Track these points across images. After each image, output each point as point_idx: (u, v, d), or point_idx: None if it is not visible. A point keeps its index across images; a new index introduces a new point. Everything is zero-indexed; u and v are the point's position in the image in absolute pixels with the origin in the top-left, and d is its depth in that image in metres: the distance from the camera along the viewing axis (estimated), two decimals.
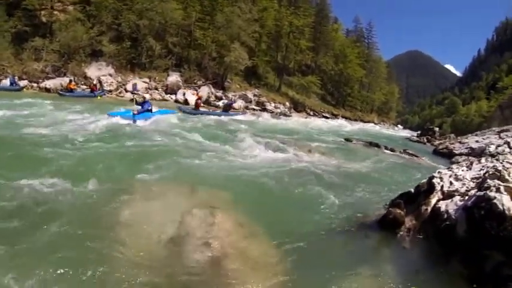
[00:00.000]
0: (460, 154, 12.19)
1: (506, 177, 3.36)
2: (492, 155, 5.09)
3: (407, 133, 36.10)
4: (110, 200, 3.57)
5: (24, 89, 18.86)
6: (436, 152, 14.31)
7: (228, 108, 17.80)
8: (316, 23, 43.96)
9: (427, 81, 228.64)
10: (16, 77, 19.29)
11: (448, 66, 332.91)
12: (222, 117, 15.69)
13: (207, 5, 30.59)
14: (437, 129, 25.85)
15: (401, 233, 3.18)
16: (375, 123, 46.90)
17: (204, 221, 3.26)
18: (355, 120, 42.97)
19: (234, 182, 4.74)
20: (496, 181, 3.16)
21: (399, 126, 65.08)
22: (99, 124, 7.94)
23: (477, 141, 13.31)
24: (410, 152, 10.89)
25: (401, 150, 10.90)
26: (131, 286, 2.38)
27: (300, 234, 3.31)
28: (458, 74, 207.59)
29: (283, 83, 37.24)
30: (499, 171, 3.41)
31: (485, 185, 3.12)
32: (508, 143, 6.75)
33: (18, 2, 22.67)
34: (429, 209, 3.42)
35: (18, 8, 22.67)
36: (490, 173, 3.42)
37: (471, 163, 4.64)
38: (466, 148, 12.89)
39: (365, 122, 44.24)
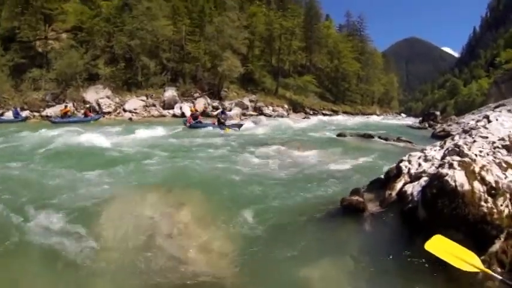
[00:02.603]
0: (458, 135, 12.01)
1: (466, 151, 3.37)
2: (465, 131, 5.07)
3: (410, 120, 35.77)
4: (87, 203, 3.83)
5: (27, 120, 19.37)
6: (435, 136, 14.16)
7: (222, 121, 14.74)
8: (307, 22, 44.19)
9: (427, 67, 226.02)
10: (18, 108, 19.85)
11: (445, 48, 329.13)
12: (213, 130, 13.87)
13: (196, 18, 31.12)
14: (438, 113, 25.64)
15: (362, 218, 3.23)
16: (377, 115, 46.64)
17: (171, 217, 3.49)
18: (356, 114, 42.78)
19: (206, 182, 4.89)
20: (453, 157, 3.17)
21: (403, 114, 64.51)
22: None
23: (473, 120, 13.11)
24: (404, 139, 10.86)
25: (395, 139, 10.87)
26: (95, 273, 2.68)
27: (264, 225, 3.41)
28: (457, 55, 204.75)
29: (280, 86, 37.40)
30: (459, 146, 3.43)
31: (441, 162, 3.14)
32: (487, 117, 6.65)
33: (13, 35, 23.52)
34: (394, 193, 3.44)
35: (14, 41, 23.48)
36: (450, 149, 3.44)
37: (444, 142, 4.64)
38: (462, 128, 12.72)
39: (366, 114, 44.03)
